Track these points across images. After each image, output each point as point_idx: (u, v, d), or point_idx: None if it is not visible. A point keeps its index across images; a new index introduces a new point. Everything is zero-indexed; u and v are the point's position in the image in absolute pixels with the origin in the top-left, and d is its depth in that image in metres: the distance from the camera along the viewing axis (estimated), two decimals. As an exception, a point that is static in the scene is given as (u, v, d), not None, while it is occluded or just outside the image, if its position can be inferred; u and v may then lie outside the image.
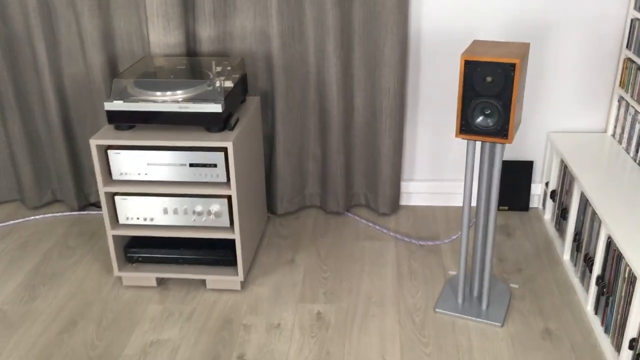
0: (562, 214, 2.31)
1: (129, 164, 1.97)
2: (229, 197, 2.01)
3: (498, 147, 1.81)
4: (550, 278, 2.17)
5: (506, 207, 2.60)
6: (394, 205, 2.58)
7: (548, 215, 2.50)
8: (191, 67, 2.15)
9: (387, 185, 2.53)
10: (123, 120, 1.96)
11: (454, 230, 2.46)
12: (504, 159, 2.55)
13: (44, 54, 2.35)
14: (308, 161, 2.56)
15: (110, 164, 1.97)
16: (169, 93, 1.95)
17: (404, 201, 2.67)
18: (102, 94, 2.41)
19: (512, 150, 2.54)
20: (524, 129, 2.50)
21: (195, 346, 1.89)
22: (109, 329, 1.96)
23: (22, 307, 2.07)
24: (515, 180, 2.56)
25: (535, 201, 2.61)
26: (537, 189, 2.58)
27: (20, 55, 2.43)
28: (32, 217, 2.60)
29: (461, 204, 2.63)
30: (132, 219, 2.05)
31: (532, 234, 2.43)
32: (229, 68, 2.10)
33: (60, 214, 2.63)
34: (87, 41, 2.32)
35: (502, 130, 1.74)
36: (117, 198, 2.02)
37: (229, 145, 1.89)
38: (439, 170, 2.60)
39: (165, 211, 2.03)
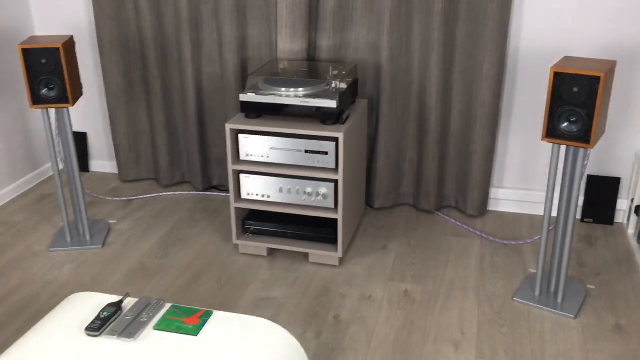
0: (644, 227, 2.44)
1: (255, 147, 2.34)
2: (336, 182, 2.33)
3: (580, 153, 2.01)
4: (627, 283, 2.31)
5: (591, 220, 2.74)
6: (482, 209, 2.79)
7: (632, 230, 2.63)
8: (311, 70, 2.50)
9: (477, 190, 2.76)
10: (253, 110, 2.34)
11: (538, 235, 2.64)
12: (592, 173, 2.71)
13: (189, 56, 2.80)
14: (405, 163, 2.83)
15: (240, 146, 2.35)
16: (292, 89, 2.31)
17: (491, 206, 2.87)
18: (232, 92, 2.82)
19: (601, 167, 2.70)
20: (613, 146, 2.65)
21: (298, 305, 2.20)
22: (227, 285, 2.32)
23: (157, 262, 2.48)
24: (602, 195, 2.70)
25: (620, 216, 2.73)
26: (623, 205, 2.71)
27: (169, 56, 2.89)
28: (164, 194, 3.05)
29: (547, 214, 2.80)
30: (252, 194, 2.41)
31: (614, 245, 2.56)
32: (343, 72, 2.44)
33: (187, 192, 3.06)
34: (225, 46, 2.75)
35: (585, 136, 1.95)
36: (242, 176, 2.40)
37: (340, 136, 2.21)
38: (527, 179, 2.79)
39: (281, 190, 2.37)
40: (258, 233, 2.50)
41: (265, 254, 2.50)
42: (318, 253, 2.42)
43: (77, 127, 3.25)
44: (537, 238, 2.61)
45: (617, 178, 2.67)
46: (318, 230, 2.43)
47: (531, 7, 2.52)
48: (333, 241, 2.43)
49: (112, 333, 1.51)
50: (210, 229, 2.72)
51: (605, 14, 2.46)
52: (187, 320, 1.58)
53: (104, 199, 3.00)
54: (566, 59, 2.04)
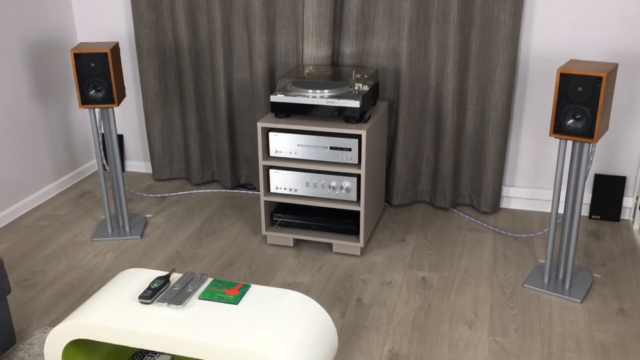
0: (648, 221, 2.59)
1: (283, 144, 2.54)
2: (358, 177, 2.51)
3: (585, 148, 2.18)
4: (631, 273, 2.46)
5: (599, 217, 2.89)
6: (495, 206, 2.96)
7: (637, 225, 2.78)
8: (335, 74, 2.70)
9: (490, 188, 2.92)
10: (282, 110, 2.54)
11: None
12: (599, 172, 2.87)
13: (221, 63, 3.02)
14: (422, 162, 3.01)
15: (270, 143, 2.55)
16: (318, 91, 2.51)
17: (503, 204, 3.04)
18: (260, 96, 3.02)
19: (607, 166, 2.86)
20: (619, 147, 2.81)
21: (323, 289, 2.38)
22: (257, 271, 2.51)
23: (192, 251, 2.68)
24: (608, 193, 2.86)
25: (626, 213, 2.89)
26: (628, 202, 2.86)
27: (202, 63, 3.11)
28: (195, 191, 3.26)
29: (556, 211, 2.96)
30: (280, 188, 2.61)
31: (620, 239, 2.71)
32: (365, 76, 2.63)
33: (217, 190, 3.26)
34: (255, 53, 2.96)
35: (589, 131, 2.12)
36: (271, 171, 2.59)
37: (363, 133, 2.41)
38: (538, 178, 2.96)
39: (307, 184, 2.56)
40: (285, 225, 2.69)
41: (291, 244, 2.68)
42: (341, 243, 2.60)
43: (114, 130, 3.47)
44: (546, 230, 2.77)
45: (623, 177, 2.83)
46: (341, 222, 2.61)
47: (540, 15, 2.70)
48: (355, 232, 2.61)
49: (163, 301, 1.70)
50: (239, 223, 2.92)
51: (609, 21, 2.63)
52: (228, 291, 1.77)
53: (140, 195, 3.22)
54: (571, 61, 2.22)
